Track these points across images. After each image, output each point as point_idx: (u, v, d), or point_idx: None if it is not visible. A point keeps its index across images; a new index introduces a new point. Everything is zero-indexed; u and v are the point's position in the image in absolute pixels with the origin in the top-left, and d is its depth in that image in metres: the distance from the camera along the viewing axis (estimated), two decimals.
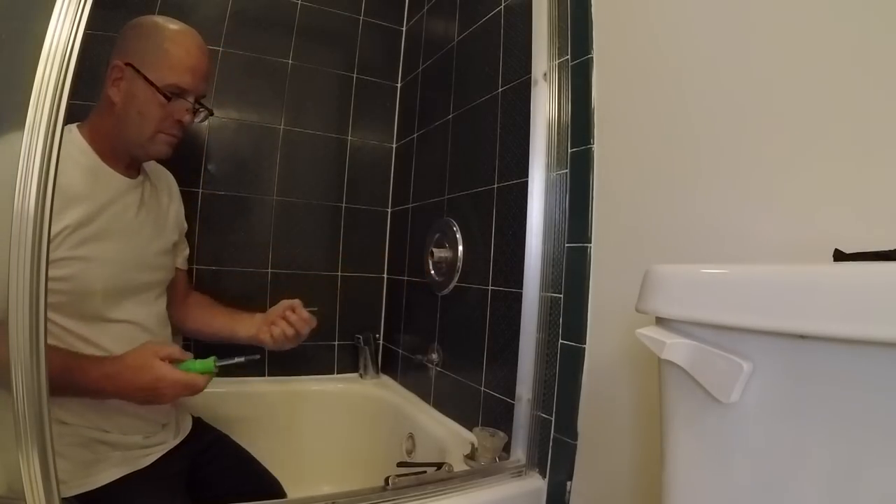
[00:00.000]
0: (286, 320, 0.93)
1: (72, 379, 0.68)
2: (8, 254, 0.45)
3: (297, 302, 0.95)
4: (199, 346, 1.08)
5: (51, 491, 0.49)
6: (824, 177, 0.52)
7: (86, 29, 0.48)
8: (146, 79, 0.79)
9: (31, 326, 0.46)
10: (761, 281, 0.34)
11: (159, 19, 0.85)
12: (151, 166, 0.96)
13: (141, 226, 0.88)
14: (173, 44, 0.82)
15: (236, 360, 0.80)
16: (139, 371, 0.71)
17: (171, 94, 0.81)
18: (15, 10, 0.53)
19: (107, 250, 0.80)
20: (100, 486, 0.73)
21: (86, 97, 1.18)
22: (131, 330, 0.83)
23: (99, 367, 0.71)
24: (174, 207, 1.00)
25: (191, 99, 0.85)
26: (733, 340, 0.36)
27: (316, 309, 0.95)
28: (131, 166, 0.88)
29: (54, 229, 0.71)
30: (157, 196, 0.95)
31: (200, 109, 0.88)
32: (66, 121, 0.47)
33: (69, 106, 0.47)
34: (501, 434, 0.90)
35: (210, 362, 0.75)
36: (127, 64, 0.79)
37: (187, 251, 1.08)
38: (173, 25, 0.84)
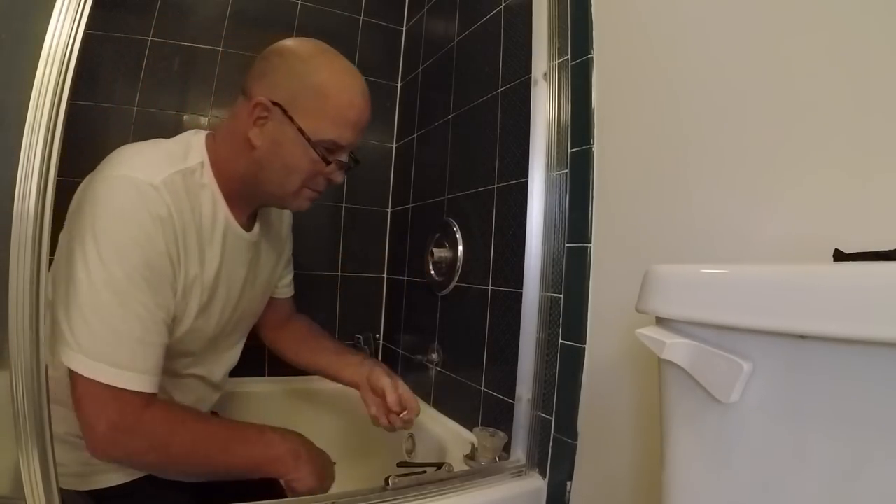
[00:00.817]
0: (399, 418, 0.83)
1: (231, 459, 0.67)
2: (8, 254, 0.45)
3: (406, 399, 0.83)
4: None
5: (51, 491, 0.49)
6: (824, 177, 0.52)
7: (86, 29, 0.48)
8: (300, 129, 0.67)
9: (31, 327, 0.46)
10: (761, 281, 0.34)
11: (316, 49, 0.71)
12: (269, 213, 0.87)
13: (247, 283, 0.81)
14: (336, 91, 0.68)
15: None
16: (310, 454, 0.72)
17: (327, 149, 0.70)
18: (15, 10, 0.53)
19: (211, 313, 0.75)
20: (113, 485, 0.72)
21: (86, 97, 1.19)
22: (197, 385, 0.81)
23: (268, 446, 0.70)
24: (286, 252, 0.94)
25: (345, 157, 0.73)
26: (733, 340, 0.36)
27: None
28: (252, 214, 0.79)
29: (186, 276, 0.67)
30: (271, 246, 0.87)
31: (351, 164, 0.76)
32: (66, 121, 0.47)
33: (69, 106, 0.47)
34: (501, 434, 0.90)
35: None
36: (275, 103, 0.67)
37: (291, 275, 1.00)
38: (336, 63, 0.71)
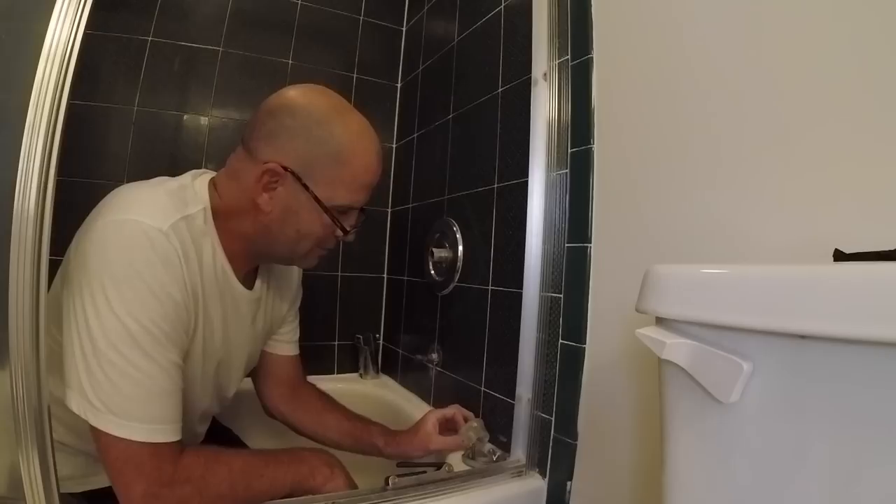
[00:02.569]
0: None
1: (271, 486, 0.66)
2: (8, 254, 0.45)
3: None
4: None
5: (51, 491, 0.49)
6: (824, 177, 0.52)
7: (86, 29, 0.48)
8: (315, 197, 0.65)
9: (31, 327, 0.46)
10: (761, 281, 0.34)
11: (330, 108, 0.67)
12: (273, 269, 0.82)
13: (245, 339, 0.77)
14: (355, 157, 0.66)
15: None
16: (343, 473, 0.72)
17: (340, 212, 0.68)
18: (15, 10, 0.53)
19: (207, 370, 0.72)
20: (107, 485, 0.72)
21: (86, 97, 1.19)
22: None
23: (303, 464, 0.70)
24: (293, 309, 0.89)
25: (356, 218, 0.72)
26: (733, 340, 0.36)
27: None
28: (252, 273, 0.76)
29: (196, 325, 0.65)
30: (272, 303, 0.82)
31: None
32: (66, 121, 0.47)
33: (69, 106, 0.47)
34: (479, 420, 0.93)
35: None
36: (287, 169, 0.63)
37: (297, 333, 0.92)
38: (352, 125, 0.67)
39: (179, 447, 0.61)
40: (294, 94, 0.67)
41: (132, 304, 0.56)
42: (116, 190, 0.65)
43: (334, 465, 0.72)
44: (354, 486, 0.73)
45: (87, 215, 0.63)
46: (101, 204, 0.63)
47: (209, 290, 0.67)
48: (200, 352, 0.68)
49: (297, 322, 0.92)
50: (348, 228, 0.70)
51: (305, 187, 0.64)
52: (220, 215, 0.67)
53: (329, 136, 0.64)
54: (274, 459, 0.68)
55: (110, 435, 0.56)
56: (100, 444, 0.58)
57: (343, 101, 0.69)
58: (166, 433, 0.59)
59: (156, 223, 0.59)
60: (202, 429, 0.85)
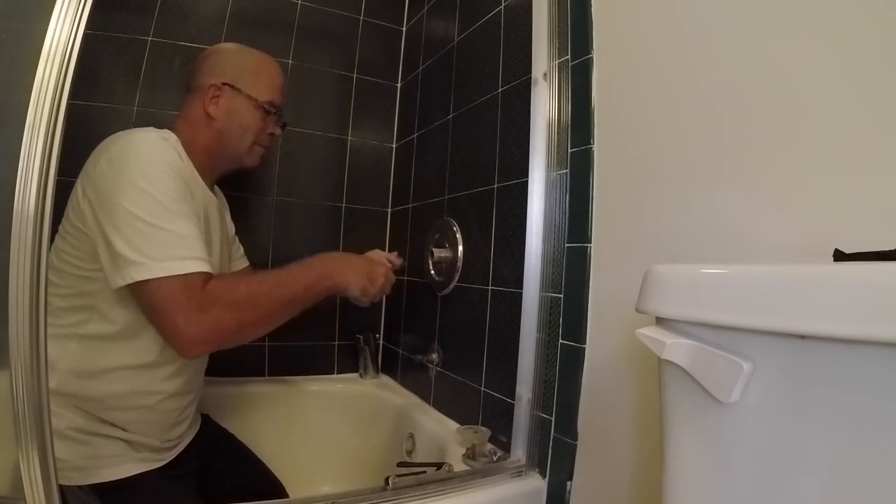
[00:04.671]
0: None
1: (287, 290, 0.79)
2: (8, 254, 0.45)
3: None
4: None
5: (51, 490, 0.49)
6: (824, 177, 0.52)
7: (86, 29, 0.48)
8: (248, 95, 0.90)
9: (31, 327, 0.46)
10: (761, 281, 0.34)
11: (240, 45, 0.96)
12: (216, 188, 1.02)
13: (221, 240, 0.94)
14: (264, 66, 0.94)
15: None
16: (345, 259, 0.89)
17: (267, 109, 0.92)
18: (15, 10, 0.53)
19: (213, 257, 0.85)
20: (115, 479, 0.73)
21: (86, 97, 1.19)
22: None
23: (309, 267, 0.83)
24: (230, 220, 1.08)
25: (279, 114, 0.96)
26: (733, 340, 0.36)
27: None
28: (213, 182, 0.95)
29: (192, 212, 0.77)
30: (223, 213, 1.02)
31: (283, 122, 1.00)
32: (66, 121, 0.47)
33: (69, 106, 0.47)
34: (484, 429, 0.92)
35: None
36: (224, 84, 0.88)
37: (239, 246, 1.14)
38: (256, 51, 0.96)
39: (206, 277, 0.72)
40: (215, 45, 0.97)
41: (156, 183, 0.71)
42: (108, 137, 0.78)
43: (335, 265, 0.86)
44: (368, 279, 0.89)
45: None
46: (100, 146, 0.77)
47: (194, 188, 0.83)
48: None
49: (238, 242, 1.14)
50: (272, 112, 0.94)
51: (239, 91, 0.89)
52: (184, 140, 0.86)
53: (246, 58, 0.94)
54: (286, 270, 0.82)
55: (151, 281, 0.67)
56: (146, 298, 0.70)
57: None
58: (194, 265, 0.70)
59: (154, 135, 0.79)
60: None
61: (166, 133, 0.83)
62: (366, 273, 0.90)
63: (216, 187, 1.00)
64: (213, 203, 0.92)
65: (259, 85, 0.91)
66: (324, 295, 0.84)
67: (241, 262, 1.12)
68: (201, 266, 0.71)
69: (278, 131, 0.99)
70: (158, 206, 0.70)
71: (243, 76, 0.90)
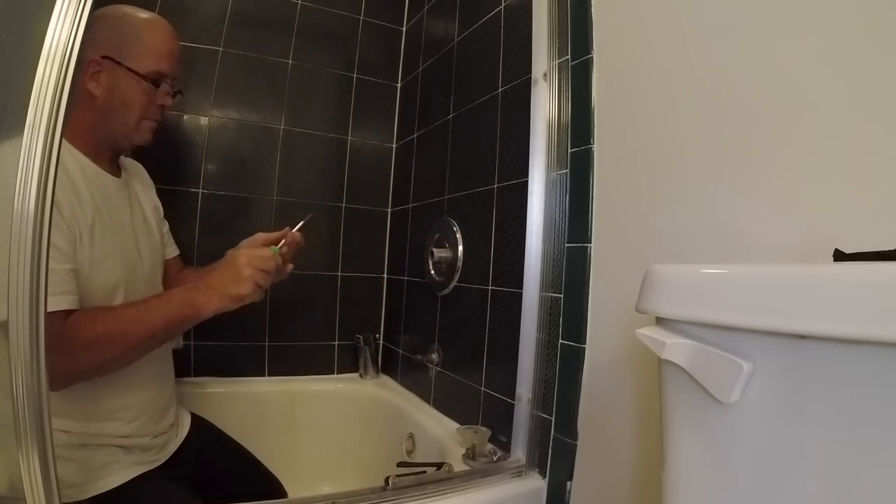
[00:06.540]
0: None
1: (144, 327, 0.72)
2: (8, 254, 0.45)
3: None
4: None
5: (51, 491, 0.49)
6: (824, 177, 0.52)
7: (86, 29, 0.48)
8: (129, 69, 0.80)
9: (31, 326, 0.46)
10: (761, 281, 0.34)
11: (126, 9, 0.84)
12: (126, 162, 0.95)
13: (134, 225, 0.88)
14: (148, 32, 0.83)
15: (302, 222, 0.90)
16: (223, 267, 0.78)
17: (153, 80, 0.83)
18: (15, 10, 0.53)
19: (111, 250, 0.79)
20: (112, 487, 0.72)
21: None
22: None
23: (168, 300, 0.75)
24: (152, 199, 0.99)
25: (169, 82, 0.86)
26: (733, 340, 0.36)
27: (311, 216, 0.92)
28: (113, 162, 0.88)
29: (78, 227, 0.73)
30: (138, 193, 0.94)
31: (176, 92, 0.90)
32: (66, 121, 0.47)
33: (69, 106, 0.47)
34: (484, 429, 0.92)
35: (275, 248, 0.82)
36: (104, 57, 0.79)
37: (168, 230, 1.06)
38: (142, 14, 0.84)
39: (67, 314, 0.68)
40: (98, 10, 0.80)
41: None
42: None
43: (200, 289, 0.76)
44: (231, 299, 0.76)
45: None
46: None
47: (84, 187, 0.77)
48: (95, 241, 0.77)
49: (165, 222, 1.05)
50: (161, 83, 0.84)
51: (120, 64, 0.79)
52: (69, 124, 0.76)
53: (128, 21, 0.82)
54: (145, 305, 0.74)
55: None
56: None
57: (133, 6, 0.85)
58: (56, 301, 0.66)
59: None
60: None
61: None
62: (232, 281, 0.77)
63: (127, 160, 0.94)
64: (113, 184, 0.84)
65: (142, 54, 0.81)
66: (190, 323, 0.76)
67: (171, 250, 1.04)
68: (60, 304, 0.67)
69: (169, 102, 0.88)
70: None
71: (125, 46, 0.80)
